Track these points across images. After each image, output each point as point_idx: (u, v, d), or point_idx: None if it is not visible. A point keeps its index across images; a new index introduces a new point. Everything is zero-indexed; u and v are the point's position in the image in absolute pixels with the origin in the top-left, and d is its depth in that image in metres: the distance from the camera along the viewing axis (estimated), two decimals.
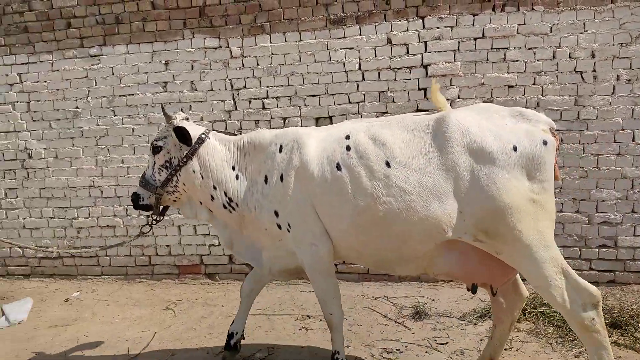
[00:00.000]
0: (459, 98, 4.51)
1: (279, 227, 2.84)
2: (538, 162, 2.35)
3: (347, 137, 2.70)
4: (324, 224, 2.74)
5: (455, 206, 2.41)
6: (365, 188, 2.55)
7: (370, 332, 3.76)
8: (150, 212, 3.15)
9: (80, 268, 5.40)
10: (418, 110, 4.57)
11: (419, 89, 4.58)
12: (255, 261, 3.13)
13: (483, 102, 4.47)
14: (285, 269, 3.04)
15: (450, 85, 4.51)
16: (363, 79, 4.66)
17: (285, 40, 4.76)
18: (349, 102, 4.70)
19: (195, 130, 3.05)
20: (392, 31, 4.56)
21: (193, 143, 2.99)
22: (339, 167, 2.63)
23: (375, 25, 4.59)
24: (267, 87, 4.85)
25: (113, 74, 5.12)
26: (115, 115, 5.15)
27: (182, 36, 4.94)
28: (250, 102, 4.90)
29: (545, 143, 2.37)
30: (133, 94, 5.10)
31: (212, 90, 4.96)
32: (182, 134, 2.93)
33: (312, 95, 4.77)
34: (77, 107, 5.22)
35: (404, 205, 2.47)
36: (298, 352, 3.52)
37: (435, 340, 3.57)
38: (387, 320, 3.97)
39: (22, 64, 5.27)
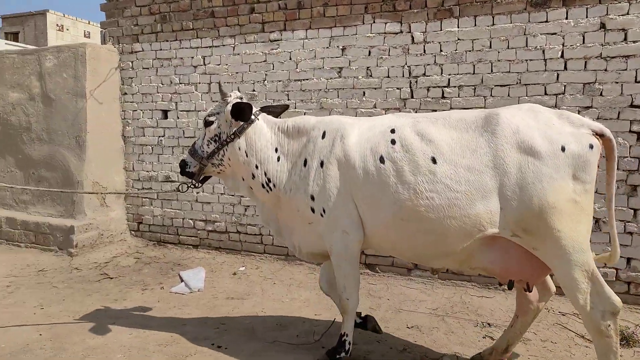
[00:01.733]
0: None
1: (313, 210, 2.90)
2: (584, 164, 2.36)
3: (393, 131, 2.73)
4: (361, 214, 2.79)
5: (497, 204, 2.44)
6: (408, 182, 2.58)
7: (571, 354, 3.35)
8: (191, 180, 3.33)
9: (244, 244, 5.65)
10: (632, 106, 3.97)
11: (636, 82, 3.96)
12: (287, 241, 3.27)
13: None
14: (312, 252, 3.16)
15: None
16: (565, 68, 4.16)
17: (476, 25, 4.43)
18: (545, 94, 4.24)
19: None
20: (607, 14, 4.00)
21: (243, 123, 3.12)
22: (382, 160, 2.68)
23: (587, 8, 4.06)
24: (449, 75, 4.57)
25: (290, 59, 5.21)
26: (289, 99, 5.25)
27: (362, 21, 4.85)
28: (428, 90, 4.67)
29: (591, 146, 2.38)
30: (308, 79, 5.14)
31: (388, 77, 4.81)
32: (240, 109, 3.04)
33: (501, 85, 4.39)
34: (254, 90, 5.41)
35: (447, 202, 2.50)
36: None
37: None
38: (587, 342, 3.52)
39: (207, 47, 5.60)
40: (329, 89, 5.06)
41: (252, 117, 3.14)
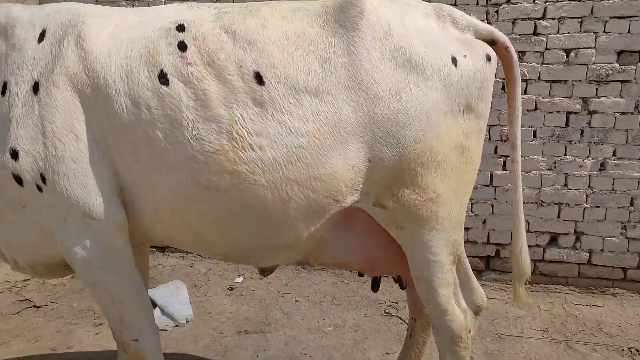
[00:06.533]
0: None
1: (19, 181, 1.59)
2: (481, 87, 1.68)
3: (181, 29, 1.60)
4: (125, 181, 1.61)
5: (362, 153, 1.58)
6: (217, 120, 1.52)
7: None
8: None
9: None
10: None
11: None
12: None
13: None
14: (40, 261, 1.78)
15: None
16: None
17: None
18: None
19: None
20: None
21: None
22: (164, 79, 1.54)
23: None
24: (545, 2, 3.30)
25: None
26: None
27: None
28: (514, 23, 3.37)
29: (489, 59, 1.70)
30: None
31: (455, 4, 3.44)
32: None
33: (620, 17, 3.21)
34: None
35: (286, 155, 1.53)
36: None
37: None
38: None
39: None
40: None
41: None
